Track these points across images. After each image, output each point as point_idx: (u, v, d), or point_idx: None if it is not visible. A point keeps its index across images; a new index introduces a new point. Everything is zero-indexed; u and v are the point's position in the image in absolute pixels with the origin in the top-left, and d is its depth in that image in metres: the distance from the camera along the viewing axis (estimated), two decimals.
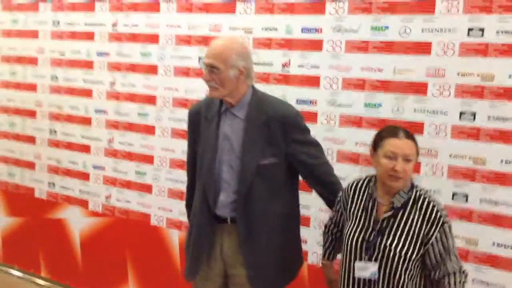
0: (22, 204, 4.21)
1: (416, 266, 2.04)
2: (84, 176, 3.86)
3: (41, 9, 3.95)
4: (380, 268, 2.04)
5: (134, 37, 3.54)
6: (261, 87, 3.02)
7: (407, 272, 2.02)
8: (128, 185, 3.66)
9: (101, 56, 3.69)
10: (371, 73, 2.75)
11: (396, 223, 2.04)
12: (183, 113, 3.33)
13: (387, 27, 2.70)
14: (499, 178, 2.53)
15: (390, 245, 2.01)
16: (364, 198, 2.16)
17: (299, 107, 2.96)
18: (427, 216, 2.01)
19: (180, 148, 3.41)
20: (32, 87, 4.06)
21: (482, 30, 2.50)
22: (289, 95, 3.00)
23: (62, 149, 3.95)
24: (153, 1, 3.43)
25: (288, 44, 2.99)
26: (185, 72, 3.35)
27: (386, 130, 2.10)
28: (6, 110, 4.22)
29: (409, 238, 2.01)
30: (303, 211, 2.99)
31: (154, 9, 3.44)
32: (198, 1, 3.26)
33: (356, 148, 2.83)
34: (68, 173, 3.94)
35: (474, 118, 2.55)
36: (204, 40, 3.26)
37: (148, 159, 3.55)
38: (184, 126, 3.34)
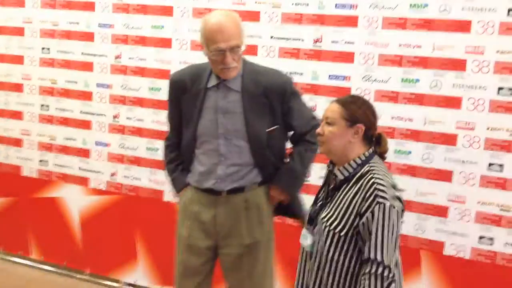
0: (5, 183, 3.88)
1: (351, 243, 1.84)
2: (84, 153, 3.62)
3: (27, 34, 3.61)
4: (315, 241, 1.92)
5: (144, 9, 3.33)
6: (290, 62, 3.04)
7: (339, 248, 1.85)
8: (137, 161, 3.49)
9: (104, 27, 3.44)
10: (409, 50, 2.81)
11: (337, 196, 1.91)
12: None
13: (426, 5, 2.75)
14: None
15: (323, 218, 1.90)
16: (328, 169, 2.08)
17: (332, 83, 2.97)
18: (364, 192, 1.82)
19: None
20: (17, 59, 3.71)
21: None
22: (321, 70, 2.98)
23: (56, 125, 3.66)
24: None
25: (320, 19, 2.96)
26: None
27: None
28: None
29: (341, 213, 1.86)
30: None
31: None
32: None
33: (391, 122, 2.88)
34: (64, 150, 3.67)
35: None
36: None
37: (161, 135, 3.39)
38: None
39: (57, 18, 3.56)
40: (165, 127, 3.33)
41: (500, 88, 2.68)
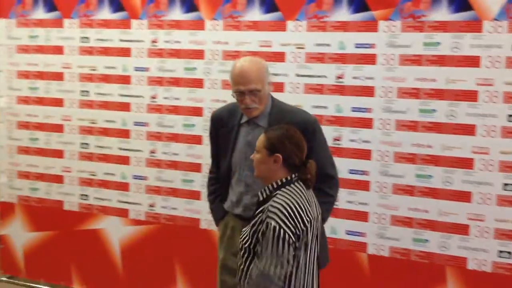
0: (48, 218, 4.07)
1: (252, 257, 2.11)
2: (123, 187, 3.83)
3: (66, 25, 3.84)
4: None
5: (177, 53, 3.57)
6: (315, 97, 3.27)
7: (248, 261, 2.11)
8: (174, 192, 3.69)
9: (140, 71, 3.68)
10: (425, 83, 3.04)
11: (254, 217, 2.13)
12: None
13: (438, 43, 2.99)
14: None
15: (241, 234, 2.18)
16: None
17: (355, 114, 3.20)
18: (263, 212, 2.06)
19: None
20: (57, 102, 3.94)
21: None
22: (344, 103, 3.21)
23: (96, 162, 3.88)
24: (198, 19, 3.49)
25: (341, 58, 3.20)
26: None
27: None
28: (26, 125, 4.05)
29: (250, 229, 2.11)
30: (361, 207, 3.26)
31: (199, 27, 3.50)
32: (246, 19, 3.37)
33: (412, 149, 3.10)
34: (104, 184, 3.88)
35: None
36: (254, 55, 3.37)
37: (196, 167, 3.61)
38: None
39: (95, 63, 3.79)
40: (199, 160, 3.58)
41: (510, 115, 2.91)
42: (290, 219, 2.01)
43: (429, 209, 3.08)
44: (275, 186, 2.12)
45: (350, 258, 3.28)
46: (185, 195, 3.67)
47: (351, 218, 3.26)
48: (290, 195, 2.08)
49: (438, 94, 3.02)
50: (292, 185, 2.12)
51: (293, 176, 2.14)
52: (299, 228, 2.03)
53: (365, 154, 3.19)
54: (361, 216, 3.23)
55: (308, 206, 2.11)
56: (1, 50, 4.04)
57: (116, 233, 3.88)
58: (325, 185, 2.47)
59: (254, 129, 2.50)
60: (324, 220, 2.49)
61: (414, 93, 3.06)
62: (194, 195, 3.63)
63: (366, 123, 3.16)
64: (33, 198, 4.07)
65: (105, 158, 3.85)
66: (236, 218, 2.59)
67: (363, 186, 3.21)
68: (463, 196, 3.02)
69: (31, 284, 4.12)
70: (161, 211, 3.74)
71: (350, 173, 3.24)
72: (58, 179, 3.99)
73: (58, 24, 3.85)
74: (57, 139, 3.96)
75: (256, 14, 3.34)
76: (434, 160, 3.06)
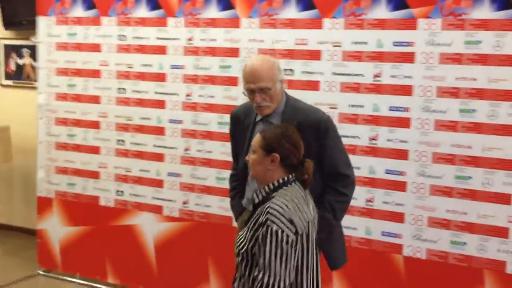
0: (84, 213, 4.13)
1: (250, 262, 2.02)
2: (157, 183, 3.85)
3: (103, 23, 3.88)
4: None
5: (212, 51, 3.57)
6: (351, 95, 3.22)
7: (244, 265, 2.04)
8: (207, 190, 3.70)
9: (175, 69, 3.69)
10: (465, 82, 2.97)
11: (252, 218, 2.06)
12: None
13: (480, 41, 2.91)
14: None
15: (236, 238, 2.10)
16: None
17: (392, 114, 3.14)
18: (262, 215, 1.97)
19: None
20: (95, 99, 3.98)
21: None
22: (381, 102, 3.16)
23: (131, 158, 3.91)
24: (233, 17, 3.48)
25: (379, 56, 3.14)
26: None
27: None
28: (64, 122, 4.11)
29: (246, 234, 2.02)
30: (397, 208, 3.20)
31: (235, 25, 3.49)
32: (282, 17, 3.35)
33: (451, 150, 3.03)
34: (139, 181, 3.91)
35: None
36: (290, 54, 3.35)
37: (229, 165, 3.59)
38: None
39: (131, 61, 3.83)
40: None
41: None
42: (290, 222, 1.93)
43: (467, 211, 3.00)
44: (271, 187, 2.06)
45: (385, 260, 3.22)
46: (219, 193, 3.67)
47: (387, 219, 3.20)
48: (289, 197, 2.01)
49: (479, 93, 2.94)
50: (289, 186, 2.06)
51: (290, 176, 2.08)
52: (300, 230, 1.96)
53: (402, 154, 3.12)
54: (397, 217, 3.17)
55: (306, 208, 2.06)
56: (40, 47, 4.12)
57: (150, 229, 3.91)
58: (338, 184, 2.44)
59: (267, 127, 2.49)
60: (338, 219, 2.47)
61: (454, 93, 2.99)
62: (228, 192, 3.61)
63: (404, 123, 3.10)
64: (70, 193, 4.13)
65: (141, 155, 3.88)
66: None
67: (400, 186, 3.15)
68: (503, 199, 2.93)
69: (67, 278, 4.19)
70: (195, 208, 3.75)
71: (387, 173, 3.18)
72: (95, 175, 4.04)
73: (96, 22, 3.89)
74: (94, 135, 4.01)
75: (292, 11, 3.31)
76: (474, 161, 2.98)
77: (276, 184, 2.05)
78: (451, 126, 3.01)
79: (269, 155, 2.05)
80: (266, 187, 2.06)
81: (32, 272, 4.27)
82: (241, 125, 2.59)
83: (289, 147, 2.06)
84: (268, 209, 1.95)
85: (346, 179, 2.46)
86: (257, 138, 2.11)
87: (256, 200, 2.06)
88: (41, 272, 4.29)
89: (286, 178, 2.07)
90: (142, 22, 3.75)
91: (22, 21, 4.66)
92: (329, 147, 2.42)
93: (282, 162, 2.05)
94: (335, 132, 2.49)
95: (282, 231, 1.91)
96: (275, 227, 1.91)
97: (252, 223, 2.02)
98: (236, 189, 2.73)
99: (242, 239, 2.05)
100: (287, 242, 1.91)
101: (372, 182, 3.21)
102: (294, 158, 2.08)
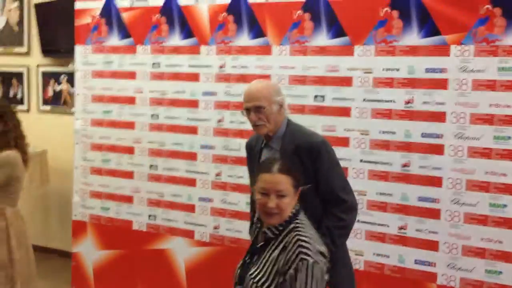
0: (117, 237, 4.18)
1: None
2: (189, 208, 3.88)
3: (138, 51, 3.97)
4: None
5: (243, 78, 3.61)
6: (382, 122, 3.20)
7: None
8: (238, 215, 3.70)
9: (207, 95, 3.74)
10: (499, 109, 2.91)
11: (265, 253, 1.95)
12: None
13: None
14: None
15: (251, 275, 1.95)
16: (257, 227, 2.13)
17: (424, 140, 3.10)
18: (289, 249, 1.86)
19: None
20: (129, 125, 4.06)
21: None
22: (413, 129, 3.12)
23: (164, 183, 3.95)
24: (265, 45, 3.51)
25: (411, 83, 3.12)
26: (299, 109, 3.43)
27: (262, 165, 2.12)
28: (99, 147, 4.19)
29: (268, 270, 1.90)
30: (431, 236, 3.13)
31: (266, 52, 3.52)
32: (313, 44, 3.37)
33: (485, 177, 2.96)
34: (171, 205, 3.94)
35: None
36: (321, 80, 3.35)
37: None
38: None
39: (165, 88, 3.89)
40: None
41: None
42: (320, 253, 1.88)
43: (503, 240, 2.92)
44: (287, 219, 1.96)
45: None
46: (249, 218, 3.65)
47: (420, 247, 3.14)
48: (307, 226, 1.96)
49: None
50: (302, 215, 2.01)
51: (297, 205, 2.02)
52: (327, 263, 1.91)
53: (435, 181, 3.07)
54: (431, 245, 3.11)
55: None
56: (78, 74, 4.23)
57: (181, 253, 3.92)
58: (336, 208, 2.42)
59: (269, 152, 2.54)
60: (336, 245, 2.39)
61: (488, 119, 2.94)
62: None
63: (437, 150, 3.06)
64: (104, 217, 4.19)
65: (173, 180, 3.92)
66: None
67: (433, 214, 3.09)
68: None
69: None
70: (226, 233, 3.75)
71: (419, 200, 3.13)
72: (128, 199, 4.10)
73: (131, 50, 3.99)
74: (128, 160, 4.07)
75: (323, 39, 3.32)
76: (509, 189, 2.91)
77: (291, 214, 1.98)
78: (485, 153, 2.96)
79: (297, 191, 1.99)
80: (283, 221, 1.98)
81: None
82: (252, 152, 2.65)
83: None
84: (297, 242, 1.87)
85: (343, 204, 2.43)
86: (283, 180, 1.96)
87: (271, 235, 1.96)
88: None
89: (296, 208, 2.00)
90: (176, 50, 3.82)
91: (60, 49, 4.80)
92: (323, 170, 2.41)
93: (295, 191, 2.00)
94: (330, 155, 2.46)
95: (318, 263, 1.84)
96: (311, 260, 1.83)
97: (270, 258, 1.92)
98: (253, 218, 2.69)
99: (259, 274, 1.93)
100: (321, 275, 1.85)
101: (404, 209, 3.16)
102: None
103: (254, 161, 2.60)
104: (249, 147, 2.71)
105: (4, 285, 2.90)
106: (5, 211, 2.93)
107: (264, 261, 1.93)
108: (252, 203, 2.76)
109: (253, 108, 2.44)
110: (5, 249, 2.91)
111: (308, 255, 1.84)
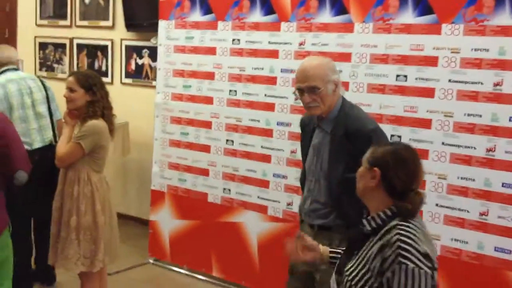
0: (193, 208, 4.30)
1: None
2: (263, 184, 3.92)
3: (219, 27, 4.01)
4: None
5: (323, 55, 3.56)
6: (468, 104, 3.07)
7: None
8: None
9: (285, 72, 3.73)
10: None
11: (363, 248, 1.77)
12: None
13: None
14: None
15: (347, 270, 1.79)
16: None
17: None
18: (387, 249, 1.65)
19: None
20: (208, 100, 4.13)
21: None
22: (501, 112, 2.99)
23: (239, 158, 4.01)
24: (347, 22, 3.45)
25: (501, 64, 2.97)
26: (380, 89, 3.37)
27: None
28: (178, 121, 4.31)
29: (364, 268, 1.71)
30: None
31: (348, 30, 3.47)
32: (397, 21, 3.27)
33: None
34: (245, 180, 4.00)
35: None
36: (404, 59, 3.26)
37: None
38: None
39: (244, 64, 3.93)
40: None
41: None
42: (425, 257, 1.63)
43: None
44: (389, 214, 1.74)
45: (497, 277, 3.05)
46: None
47: (501, 234, 3.02)
48: (414, 225, 1.72)
49: None
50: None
51: (399, 205, 1.77)
52: (436, 265, 1.67)
53: None
54: None
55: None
56: (160, 49, 4.34)
57: (254, 228, 3.98)
58: None
59: (320, 133, 2.46)
60: None
61: None
62: None
63: None
64: (181, 188, 4.32)
65: (248, 155, 3.97)
66: (306, 224, 2.59)
67: None
68: None
69: (175, 268, 4.39)
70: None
71: (503, 186, 3.00)
72: (204, 172, 4.20)
73: (212, 26, 4.04)
74: (205, 134, 4.17)
75: (409, 16, 3.22)
76: None
77: (391, 212, 1.75)
78: None
79: (371, 169, 1.80)
80: (382, 214, 1.76)
81: (143, 260, 4.52)
82: (305, 131, 2.60)
83: (396, 167, 1.76)
84: (397, 243, 1.64)
85: None
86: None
87: (369, 228, 1.77)
88: (151, 261, 4.53)
89: (397, 206, 1.75)
90: (256, 26, 3.83)
91: (143, 23, 4.94)
92: None
93: (384, 182, 1.76)
94: None
95: (421, 269, 1.60)
96: (410, 265, 1.60)
97: (367, 255, 1.74)
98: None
99: (354, 272, 1.77)
100: (425, 282, 1.60)
101: (487, 195, 3.04)
102: (400, 182, 1.76)
103: (306, 140, 2.54)
104: (303, 125, 2.65)
105: (89, 245, 3.07)
106: (91, 177, 3.08)
107: (361, 257, 1.76)
108: (303, 178, 2.69)
109: (306, 88, 2.34)
110: (90, 213, 3.07)
111: (408, 258, 1.60)
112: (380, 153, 1.80)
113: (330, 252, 2.11)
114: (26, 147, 3.59)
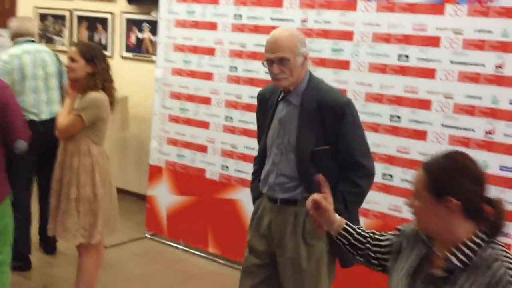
0: (191, 184, 4.32)
1: None
2: None
3: (221, 2, 3.98)
4: None
5: (325, 34, 3.55)
6: (469, 86, 3.07)
7: None
8: None
9: None
10: None
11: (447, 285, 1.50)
12: (376, 108, 3.36)
13: None
14: None
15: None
16: (417, 245, 1.65)
17: None
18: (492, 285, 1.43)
19: (371, 140, 3.43)
20: (207, 76, 4.12)
21: None
22: (501, 95, 2.98)
23: (238, 135, 4.01)
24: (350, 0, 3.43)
25: (503, 46, 2.96)
26: (381, 68, 3.35)
27: None
28: (178, 96, 4.30)
29: None
30: (509, 207, 3.01)
31: (351, 7, 3.44)
32: (401, 1, 3.24)
33: None
34: (243, 157, 4.01)
35: None
36: (406, 39, 3.24)
37: None
38: (375, 119, 3.38)
39: (245, 40, 3.90)
40: None
41: None
42: None
43: None
44: (479, 243, 1.49)
45: None
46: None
47: None
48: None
49: None
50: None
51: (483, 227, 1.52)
52: None
53: None
54: (510, 216, 3.00)
55: None
56: (161, 23, 4.31)
57: (251, 205, 3.97)
58: (353, 173, 2.34)
59: (287, 106, 2.42)
60: (349, 211, 2.30)
61: None
62: None
63: None
64: (179, 164, 4.33)
65: (247, 133, 3.96)
66: (266, 199, 2.53)
67: None
68: None
69: (171, 243, 4.42)
70: None
71: (501, 169, 3.01)
72: (203, 148, 4.20)
73: (214, 1, 4.00)
74: (205, 111, 4.16)
75: None
76: None
77: (481, 240, 1.50)
78: None
79: (441, 200, 1.50)
80: (471, 244, 1.49)
81: (140, 234, 4.56)
82: (265, 105, 2.53)
83: (472, 185, 1.50)
84: (506, 277, 1.43)
85: (361, 169, 2.35)
86: (419, 177, 1.55)
87: (459, 264, 1.49)
88: (148, 236, 4.56)
89: (483, 230, 1.51)
90: (258, 2, 3.80)
91: None
92: (345, 133, 2.32)
93: (465, 207, 1.49)
94: (355, 118, 2.37)
95: None
96: None
97: None
98: (257, 172, 2.64)
99: None
100: None
101: None
102: (481, 199, 1.50)
103: (266, 115, 2.50)
104: (261, 99, 2.58)
105: (89, 217, 3.08)
106: (91, 149, 3.08)
107: None
108: (258, 158, 2.64)
109: (276, 59, 2.30)
110: (90, 185, 3.08)
111: None
112: (448, 177, 1.50)
113: (346, 224, 1.81)
114: (33, 117, 3.67)
